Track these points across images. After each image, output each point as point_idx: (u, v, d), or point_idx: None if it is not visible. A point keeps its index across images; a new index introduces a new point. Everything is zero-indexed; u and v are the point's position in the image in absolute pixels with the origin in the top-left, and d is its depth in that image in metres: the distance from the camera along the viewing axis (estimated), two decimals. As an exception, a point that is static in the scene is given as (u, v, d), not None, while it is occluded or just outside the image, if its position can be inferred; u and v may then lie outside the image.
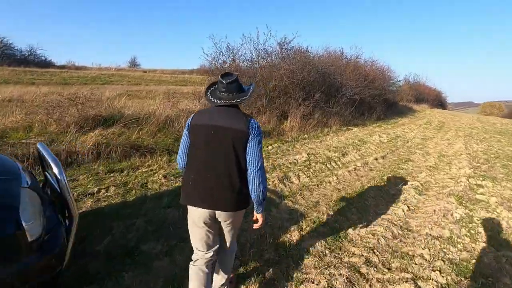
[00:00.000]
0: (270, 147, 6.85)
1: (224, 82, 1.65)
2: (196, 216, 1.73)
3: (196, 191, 1.67)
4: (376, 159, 6.57)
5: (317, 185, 4.60)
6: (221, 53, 8.73)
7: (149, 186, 4.01)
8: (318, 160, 5.99)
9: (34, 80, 17.51)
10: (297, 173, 5.04)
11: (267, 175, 4.80)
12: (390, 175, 5.44)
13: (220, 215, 1.71)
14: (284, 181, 4.66)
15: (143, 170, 4.60)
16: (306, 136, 8.46)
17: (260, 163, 1.61)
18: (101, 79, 20.86)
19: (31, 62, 24.49)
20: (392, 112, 16.50)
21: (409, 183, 5.14)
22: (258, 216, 1.77)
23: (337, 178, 5.02)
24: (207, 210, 1.69)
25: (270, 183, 4.51)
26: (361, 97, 11.56)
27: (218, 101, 1.67)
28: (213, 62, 8.66)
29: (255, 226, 1.81)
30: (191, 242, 1.86)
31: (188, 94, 10.78)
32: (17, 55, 24.26)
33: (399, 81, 19.93)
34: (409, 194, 4.55)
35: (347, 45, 36.25)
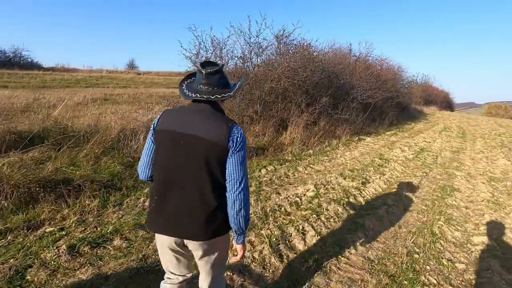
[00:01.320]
0: (263, 171, 4.98)
1: (204, 72, 1.28)
2: (160, 242, 1.42)
3: (160, 215, 1.32)
4: (410, 189, 4.68)
5: (336, 257, 2.71)
6: (204, 48, 6.88)
7: (28, 277, 2.14)
8: (331, 196, 4.11)
9: (9, 83, 15.72)
10: (301, 226, 3.16)
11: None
12: (440, 223, 3.55)
13: (189, 244, 1.36)
14: (280, 246, 2.79)
15: (47, 230, 2.74)
16: (310, 152, 6.58)
17: (243, 184, 1.27)
18: (87, 82, 19.06)
19: (15, 64, 22.74)
20: (404, 117, 14.60)
21: (474, 239, 3.26)
22: (238, 247, 1.40)
23: (365, 236, 3.13)
24: (172, 238, 1.34)
25: (257, 255, 2.63)
26: (375, 100, 9.66)
27: (193, 95, 1.31)
28: (194, 59, 6.81)
29: (233, 259, 1.47)
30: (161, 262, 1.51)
31: (170, 97, 8.93)
32: (0, 56, 22.49)
33: (411, 81, 17.96)
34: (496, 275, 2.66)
35: (347, 42, 32.78)
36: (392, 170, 5.62)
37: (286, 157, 5.96)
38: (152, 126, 1.36)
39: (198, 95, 1.30)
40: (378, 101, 9.99)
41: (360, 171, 5.38)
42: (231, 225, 1.33)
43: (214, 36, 7.28)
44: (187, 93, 1.35)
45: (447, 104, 30.64)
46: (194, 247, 1.36)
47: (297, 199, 3.87)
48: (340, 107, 8.64)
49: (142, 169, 1.40)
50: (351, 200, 4.03)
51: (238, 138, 1.26)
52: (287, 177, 4.83)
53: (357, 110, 9.29)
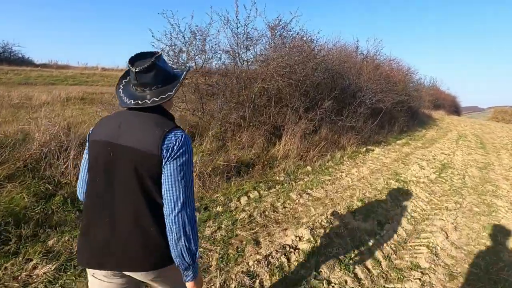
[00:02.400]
0: (243, 200, 3.65)
1: (134, 70, 1.03)
2: (91, 280, 1.13)
3: (88, 244, 1.07)
4: (445, 233, 3.32)
5: None
6: (182, 39, 5.53)
7: None
8: (334, 250, 2.75)
9: (-11, 78, 14.51)
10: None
11: None
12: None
13: (131, 274, 1.09)
14: None
15: None
16: (308, 169, 5.23)
17: (180, 204, 0.98)
18: (75, 79, 17.83)
19: (4, 59, 21.58)
20: (414, 123, 13.18)
21: None
22: (188, 285, 1.07)
23: None
24: (106, 271, 1.08)
25: None
26: (385, 105, 8.28)
27: (129, 101, 1.07)
28: (169, 53, 5.46)
29: None
30: None
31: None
32: (-12, 51, 21.33)
33: (420, 84, 16.53)
34: None
35: (353, 38, 30.70)
36: (415, 199, 4.25)
37: (277, 177, 4.61)
38: (87, 136, 1.14)
39: (133, 102, 1.05)
40: (387, 106, 8.59)
41: (374, 201, 4.02)
42: (173, 257, 1.02)
43: (197, 26, 5.95)
44: (123, 99, 1.09)
45: (454, 108, 29.12)
46: (137, 276, 1.08)
47: (284, 259, 2.52)
48: (346, 112, 7.27)
49: (79, 189, 1.19)
50: (364, 257, 2.68)
51: (175, 145, 1.00)
52: (274, 211, 3.48)
53: (365, 116, 7.91)
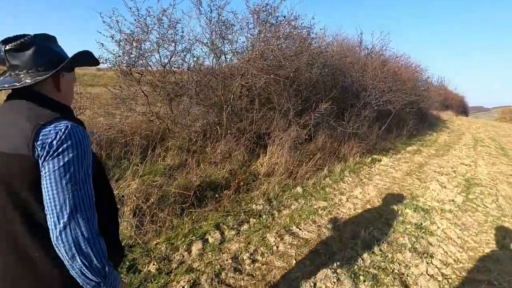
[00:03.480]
0: (194, 250, 2.45)
1: (3, 48, 0.84)
2: None
3: None
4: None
5: None
6: (145, 26, 4.33)
7: None
8: None
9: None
10: None
11: None
12: None
13: None
14: None
15: None
16: (299, 190, 4.02)
17: (67, 214, 0.75)
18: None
19: None
20: (424, 125, 11.87)
21: None
22: None
23: None
24: None
25: None
26: (394, 106, 7.02)
27: None
28: (123, 44, 4.25)
29: None
30: None
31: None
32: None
33: (429, 83, 15.21)
34: None
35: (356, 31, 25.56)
36: (444, 242, 3.01)
37: (255, 205, 3.41)
38: None
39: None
40: (397, 107, 7.33)
41: (385, 248, 2.79)
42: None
43: (165, 11, 4.77)
44: None
45: (462, 108, 27.67)
46: None
47: None
48: (347, 115, 6.04)
49: None
50: None
51: (55, 140, 0.76)
52: (237, 270, 2.29)
53: (370, 120, 6.68)
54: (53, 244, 0.76)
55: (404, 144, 8.12)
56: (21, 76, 0.83)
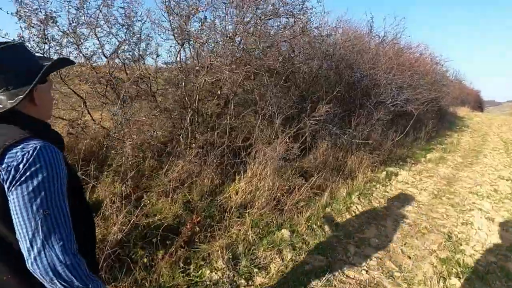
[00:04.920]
0: None
1: None
2: None
3: None
4: None
5: None
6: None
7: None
8: None
9: None
10: None
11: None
12: None
13: None
14: None
15: None
16: (285, 234, 2.73)
17: (40, 241, 0.72)
18: None
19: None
20: (443, 125, 10.38)
21: None
22: None
23: None
24: None
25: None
26: (416, 106, 5.62)
27: None
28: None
29: None
30: None
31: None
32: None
33: (449, 78, 13.64)
34: None
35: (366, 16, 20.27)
36: None
37: (210, 273, 2.15)
38: None
39: None
40: (419, 107, 5.91)
41: None
42: None
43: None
44: None
45: (478, 104, 25.77)
46: None
47: None
48: (355, 120, 4.70)
49: None
50: None
51: (22, 163, 0.71)
52: None
53: (384, 124, 5.31)
54: (33, 272, 0.72)
55: (423, 151, 6.72)
56: None
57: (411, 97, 5.36)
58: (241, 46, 3.45)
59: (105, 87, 3.47)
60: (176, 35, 3.43)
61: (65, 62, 0.98)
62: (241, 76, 3.35)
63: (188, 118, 3.33)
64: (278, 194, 3.26)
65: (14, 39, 2.70)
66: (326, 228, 2.98)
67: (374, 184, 4.32)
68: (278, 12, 3.46)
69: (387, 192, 4.15)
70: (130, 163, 2.77)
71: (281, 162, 3.40)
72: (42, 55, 3.02)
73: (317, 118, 3.56)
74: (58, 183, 0.76)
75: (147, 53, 3.53)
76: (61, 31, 2.96)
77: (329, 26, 5.64)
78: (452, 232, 3.04)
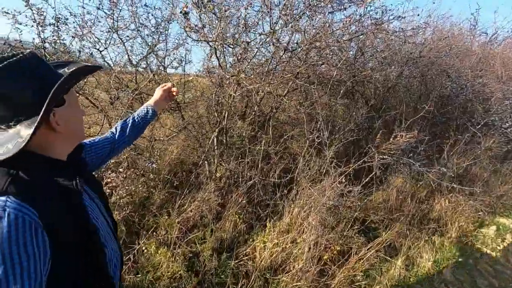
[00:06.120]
0: None
1: None
2: None
3: None
4: None
5: None
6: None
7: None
8: None
9: None
10: None
11: None
12: None
13: None
14: None
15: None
16: None
17: None
18: None
19: None
20: None
21: None
22: None
23: None
24: None
25: None
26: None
27: None
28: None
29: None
30: None
31: None
32: None
33: None
34: None
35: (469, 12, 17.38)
36: None
37: None
38: None
39: None
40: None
41: None
42: None
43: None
44: None
45: None
46: None
47: None
48: (447, 149, 3.30)
49: None
50: None
51: None
52: None
53: (493, 156, 3.70)
54: None
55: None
56: None
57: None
58: (289, 48, 2.57)
59: (132, 97, 3.00)
60: (205, 37, 2.75)
61: (82, 72, 0.71)
62: (286, 88, 2.48)
63: (214, 139, 2.59)
64: (325, 257, 2.26)
65: (30, 44, 2.36)
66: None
67: (478, 246, 2.90)
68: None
69: (500, 261, 2.69)
70: (124, 194, 2.14)
71: (330, 208, 2.37)
72: (60, 62, 2.70)
73: (393, 150, 2.41)
74: (10, 257, 0.51)
75: (175, 58, 2.95)
76: (77, 35, 2.55)
77: (414, 22, 4.29)
78: None
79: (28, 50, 0.63)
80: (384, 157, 2.36)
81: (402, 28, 2.68)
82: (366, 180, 2.42)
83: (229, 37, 2.32)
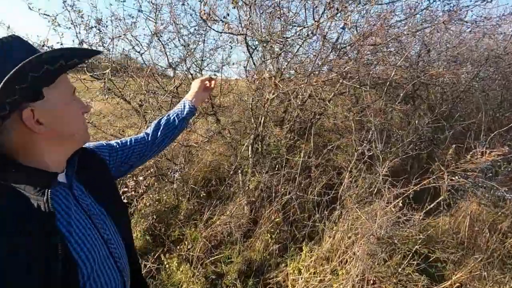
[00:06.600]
0: None
1: None
2: None
3: None
4: None
5: None
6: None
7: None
8: None
9: None
10: None
11: None
12: None
13: None
14: None
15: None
16: None
17: None
18: None
19: None
20: None
21: None
22: None
23: None
24: None
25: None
26: None
27: None
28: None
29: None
30: None
31: None
32: None
33: None
34: None
35: None
36: None
37: None
38: None
39: None
40: None
41: None
42: None
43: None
44: None
45: None
46: None
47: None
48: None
49: None
50: None
51: None
52: None
53: None
54: None
55: None
56: None
57: None
58: (338, 46, 2.22)
59: (170, 100, 2.93)
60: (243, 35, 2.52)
61: (64, 57, 0.49)
62: (332, 91, 2.13)
63: (248, 147, 2.35)
64: (374, 285, 1.84)
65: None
66: None
67: None
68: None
69: None
70: (150, 202, 1.99)
71: (382, 235, 1.94)
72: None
73: (468, 170, 1.88)
74: None
75: (214, 61, 2.80)
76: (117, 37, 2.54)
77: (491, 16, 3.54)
78: None
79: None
80: (457, 177, 1.85)
81: (485, 17, 2.13)
82: (431, 206, 1.94)
83: (263, 31, 2.06)
